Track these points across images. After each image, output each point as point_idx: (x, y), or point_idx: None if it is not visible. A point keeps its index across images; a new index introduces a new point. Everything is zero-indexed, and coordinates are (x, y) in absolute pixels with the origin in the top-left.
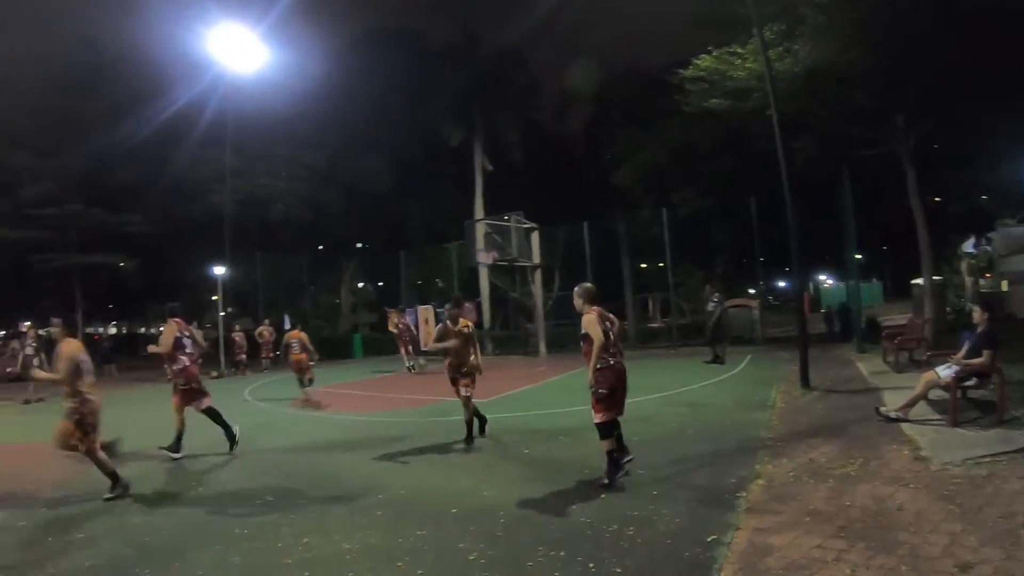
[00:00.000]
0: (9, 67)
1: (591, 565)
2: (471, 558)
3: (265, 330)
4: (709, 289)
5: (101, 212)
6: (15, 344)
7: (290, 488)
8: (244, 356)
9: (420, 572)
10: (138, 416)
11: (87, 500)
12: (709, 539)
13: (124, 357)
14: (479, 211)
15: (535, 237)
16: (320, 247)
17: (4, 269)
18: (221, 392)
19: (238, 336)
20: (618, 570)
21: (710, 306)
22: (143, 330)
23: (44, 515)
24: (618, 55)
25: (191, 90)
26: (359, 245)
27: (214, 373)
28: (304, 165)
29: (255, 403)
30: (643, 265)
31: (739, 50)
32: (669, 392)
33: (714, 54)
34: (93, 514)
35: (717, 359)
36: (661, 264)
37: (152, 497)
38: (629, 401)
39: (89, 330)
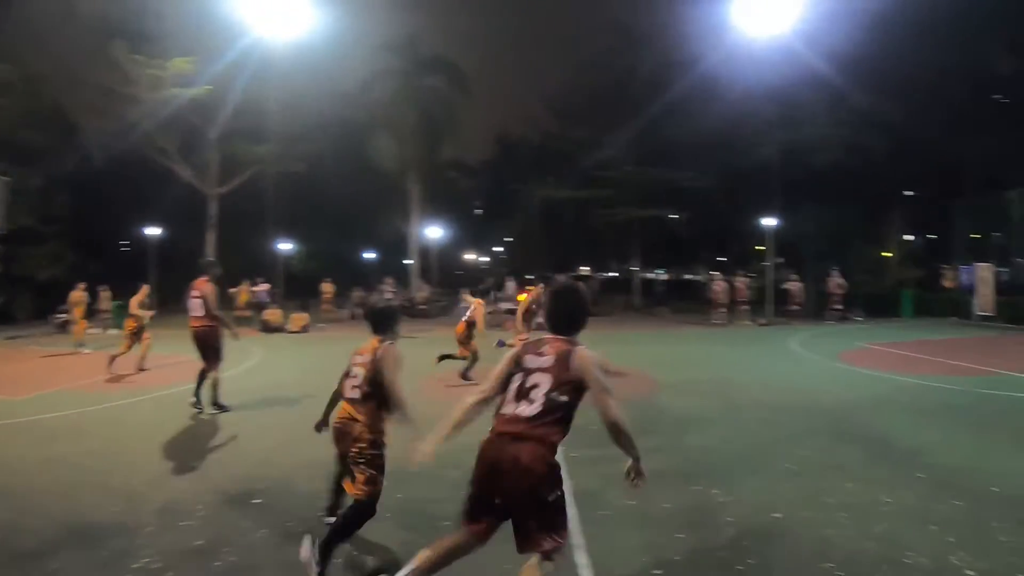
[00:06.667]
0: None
1: None
2: (1002, 539)
3: (832, 282)
4: None
5: (656, 171)
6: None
7: (840, 437)
8: (797, 307)
9: (951, 540)
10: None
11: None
12: None
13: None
14: None
15: None
16: (866, 196)
17: (570, 222)
18: (764, 340)
19: (793, 287)
20: None
21: None
22: (688, 276)
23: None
24: None
25: (714, 52)
26: (907, 193)
27: (762, 320)
28: (846, 107)
29: (802, 353)
30: None
31: None
32: None
33: None
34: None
35: None
36: None
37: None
38: None
39: (646, 275)
